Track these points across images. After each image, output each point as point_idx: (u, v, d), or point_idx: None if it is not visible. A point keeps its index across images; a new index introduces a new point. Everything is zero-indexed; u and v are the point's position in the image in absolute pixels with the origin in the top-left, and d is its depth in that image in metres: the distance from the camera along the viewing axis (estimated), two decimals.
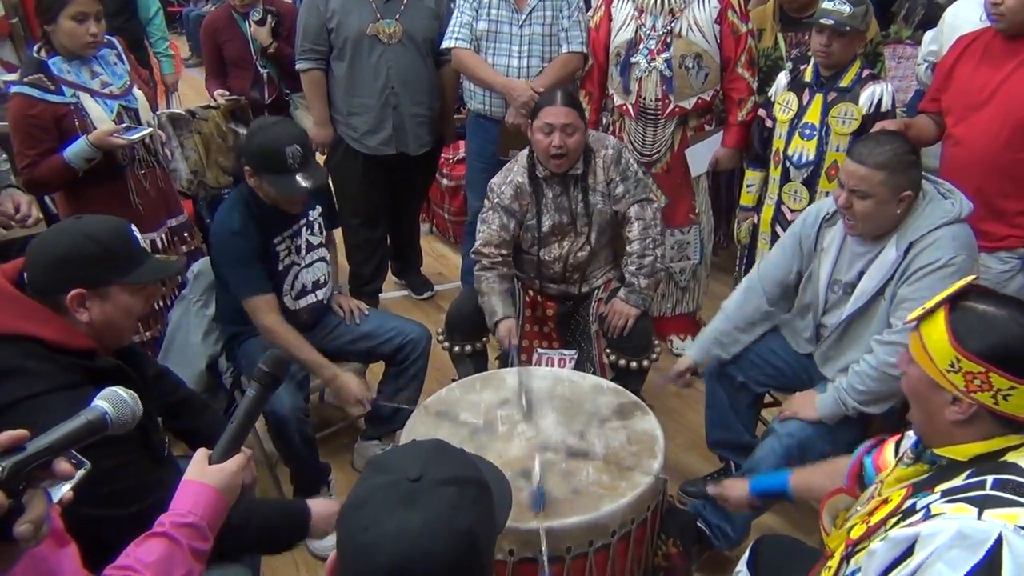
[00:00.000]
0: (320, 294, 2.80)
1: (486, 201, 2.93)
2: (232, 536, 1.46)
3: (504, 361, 3.03)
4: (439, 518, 1.01)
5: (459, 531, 1.02)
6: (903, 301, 2.18)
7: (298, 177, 2.48)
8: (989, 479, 1.29)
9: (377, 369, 2.99)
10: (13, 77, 3.58)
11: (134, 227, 1.74)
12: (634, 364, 2.79)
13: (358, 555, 1.02)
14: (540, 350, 2.91)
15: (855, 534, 1.43)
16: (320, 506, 1.86)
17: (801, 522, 2.69)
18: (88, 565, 1.30)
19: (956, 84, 2.71)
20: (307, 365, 2.63)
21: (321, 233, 2.82)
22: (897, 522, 1.34)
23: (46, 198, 3.35)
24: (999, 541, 1.19)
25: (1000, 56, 2.59)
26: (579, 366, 2.82)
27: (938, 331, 1.38)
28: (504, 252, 2.87)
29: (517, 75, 3.38)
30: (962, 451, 1.37)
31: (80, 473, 1.11)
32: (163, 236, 3.02)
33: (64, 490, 1.09)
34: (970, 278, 1.46)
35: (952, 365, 1.36)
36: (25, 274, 1.63)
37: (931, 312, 1.41)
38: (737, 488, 2.13)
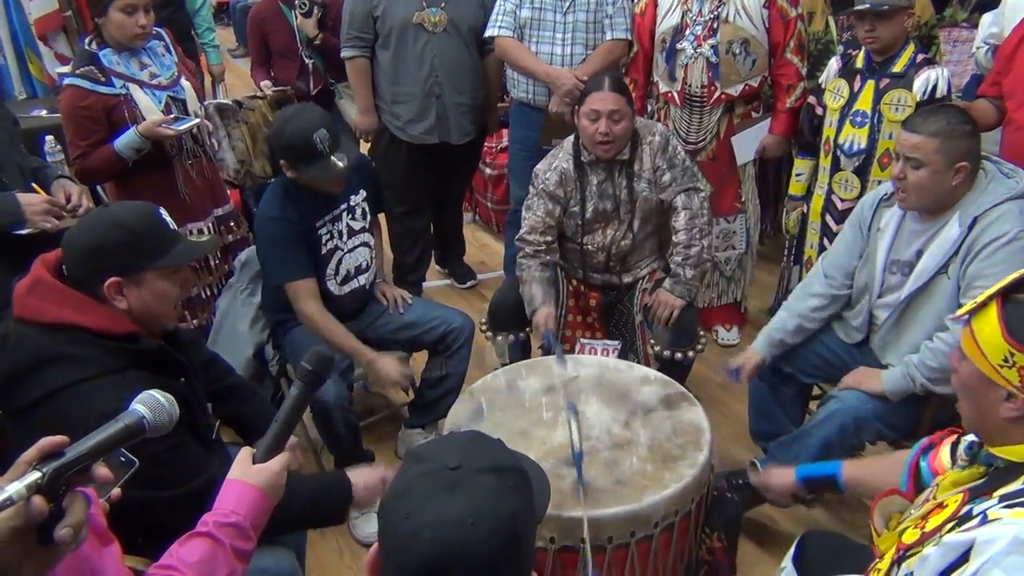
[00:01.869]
0: (363, 279, 2.82)
1: (531, 187, 2.91)
2: (275, 514, 1.48)
3: (547, 351, 3.01)
4: (480, 505, 1.01)
5: (500, 517, 1.01)
6: (976, 278, 2.12)
7: (333, 159, 2.51)
8: None
9: (420, 358, 3.00)
10: (67, 69, 3.66)
11: (162, 210, 1.74)
12: (679, 355, 2.76)
13: (399, 544, 1.01)
14: (583, 340, 2.89)
15: (908, 538, 1.39)
16: (361, 476, 1.84)
17: (849, 518, 2.65)
18: (134, 551, 1.32)
19: (1018, 67, 2.62)
20: (346, 351, 2.64)
21: (364, 218, 2.82)
22: (953, 528, 1.30)
23: (98, 188, 3.42)
24: None
25: None
26: (622, 356, 2.80)
27: (991, 325, 1.34)
28: (548, 239, 2.85)
29: (561, 63, 3.35)
30: (1018, 452, 1.33)
31: (130, 472, 1.13)
32: (210, 225, 3.06)
33: (112, 487, 1.11)
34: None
35: (1006, 360, 1.31)
36: (63, 267, 1.66)
37: (983, 306, 1.36)
38: (781, 477, 2.09)
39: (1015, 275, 1.37)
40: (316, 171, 2.51)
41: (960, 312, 1.42)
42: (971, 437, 1.48)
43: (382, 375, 2.69)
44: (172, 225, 1.74)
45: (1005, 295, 1.35)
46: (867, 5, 2.71)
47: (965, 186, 2.17)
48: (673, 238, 2.85)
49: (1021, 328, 1.30)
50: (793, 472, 2.05)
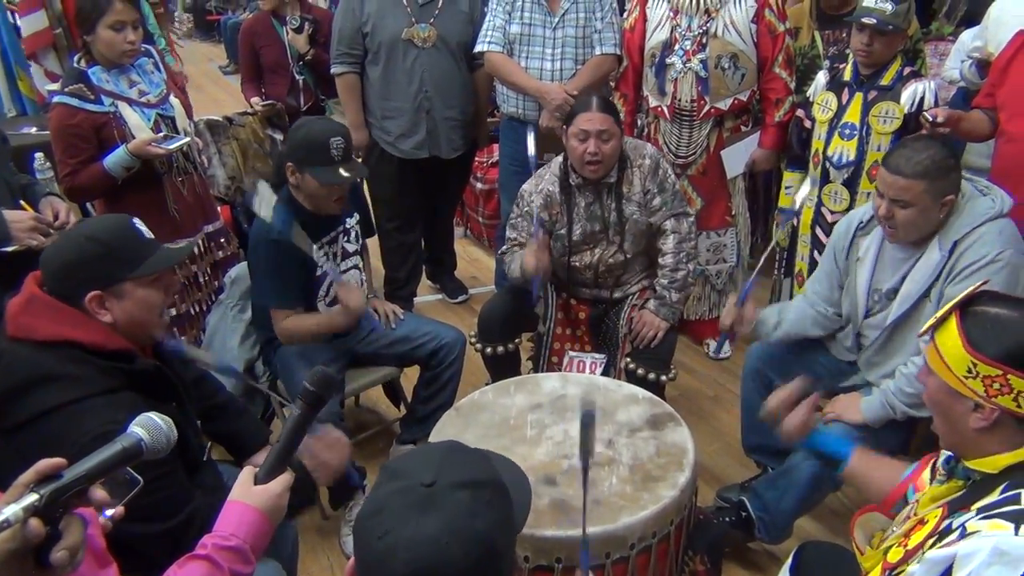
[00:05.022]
0: None
1: (515, 208, 2.92)
2: None
3: (536, 364, 3.01)
4: (454, 523, 1.00)
5: (476, 535, 1.00)
6: (951, 300, 2.12)
7: (341, 169, 2.51)
8: None
9: (412, 373, 2.99)
10: (56, 87, 3.66)
11: (136, 220, 1.73)
12: (651, 376, 2.74)
13: (374, 563, 1.01)
14: (571, 353, 2.89)
15: (892, 557, 1.40)
16: (314, 456, 1.76)
17: (843, 529, 2.63)
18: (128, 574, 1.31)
19: (1012, 79, 2.64)
20: (328, 329, 2.63)
21: (357, 241, 2.83)
22: (934, 544, 1.31)
23: (87, 205, 3.41)
24: None
25: None
26: (607, 370, 2.80)
27: (952, 338, 1.37)
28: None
29: (550, 78, 3.36)
30: (992, 463, 1.35)
31: (134, 490, 1.14)
32: (200, 242, 3.05)
33: (116, 506, 1.11)
34: (979, 283, 1.44)
35: (970, 371, 1.34)
36: (45, 286, 1.65)
37: (943, 320, 1.40)
38: (799, 420, 1.91)
39: (971, 288, 1.41)
40: (323, 176, 2.50)
41: (923, 329, 1.45)
42: (949, 452, 1.49)
43: (352, 309, 2.59)
44: (147, 234, 1.73)
45: (964, 308, 1.38)
46: (874, 20, 2.72)
47: (948, 214, 2.17)
48: (660, 260, 2.85)
49: (981, 339, 1.33)
50: (811, 427, 1.91)
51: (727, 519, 2.47)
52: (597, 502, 1.92)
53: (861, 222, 2.39)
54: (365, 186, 3.77)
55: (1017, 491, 1.27)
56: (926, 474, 1.64)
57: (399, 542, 0.99)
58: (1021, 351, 1.30)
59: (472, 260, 4.84)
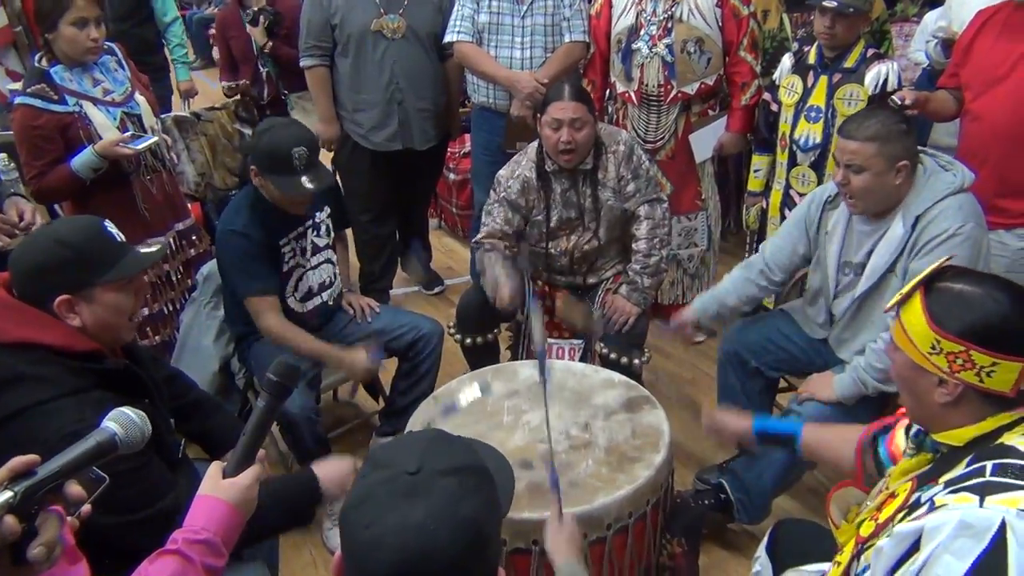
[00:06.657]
0: (326, 296, 2.80)
1: (492, 193, 2.92)
2: (247, 523, 1.46)
3: (515, 353, 3.02)
4: (441, 509, 1.00)
5: (462, 521, 1.00)
6: (916, 274, 2.15)
7: (303, 179, 2.48)
8: (988, 465, 1.28)
9: (390, 366, 3.00)
10: (18, 86, 3.59)
11: (108, 222, 1.70)
12: (624, 360, 2.76)
13: (362, 553, 1.01)
14: (549, 340, 2.90)
15: (865, 531, 1.42)
16: (327, 470, 1.80)
17: (819, 507, 2.68)
18: (102, 573, 1.31)
19: (975, 59, 2.68)
20: (314, 356, 2.61)
21: (328, 235, 2.81)
22: (903, 517, 1.33)
23: (55, 205, 3.37)
24: (1003, 527, 1.18)
25: (1020, 30, 2.55)
26: (584, 355, 2.81)
27: (916, 315, 1.39)
28: (506, 244, 2.86)
29: (520, 67, 3.36)
30: (958, 436, 1.37)
31: (100, 488, 1.13)
32: (171, 240, 3.02)
33: (82, 504, 1.10)
34: (943, 259, 1.46)
35: (933, 347, 1.36)
36: (13, 288, 1.63)
37: (908, 297, 1.42)
38: (736, 422, 2.05)
39: (935, 265, 1.43)
40: (284, 186, 2.48)
41: (889, 305, 1.47)
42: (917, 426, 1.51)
43: (353, 366, 2.64)
44: (119, 237, 1.70)
45: (928, 284, 1.40)
46: (835, 3, 2.75)
47: (907, 184, 2.21)
48: (633, 246, 2.87)
49: (944, 315, 1.35)
50: (750, 421, 2.02)
51: (706, 502, 2.50)
52: (574, 484, 1.94)
53: (829, 196, 2.43)
54: (338, 178, 3.76)
55: (982, 463, 1.29)
56: (901, 439, 1.65)
57: (386, 531, 0.99)
58: (982, 327, 1.32)
59: (447, 251, 4.84)
